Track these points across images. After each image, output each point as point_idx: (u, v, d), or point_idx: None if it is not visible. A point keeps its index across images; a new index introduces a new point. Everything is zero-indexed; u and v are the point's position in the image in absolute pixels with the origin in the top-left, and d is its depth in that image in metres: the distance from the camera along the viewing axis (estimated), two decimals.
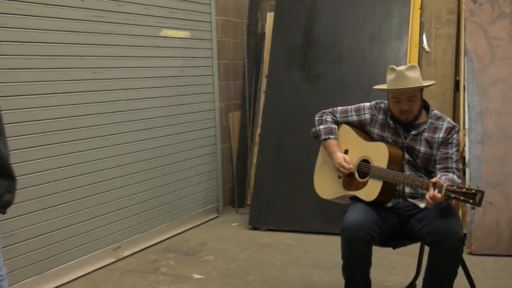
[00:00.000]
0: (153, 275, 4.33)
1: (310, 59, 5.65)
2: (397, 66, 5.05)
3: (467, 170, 4.73)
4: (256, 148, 6.14)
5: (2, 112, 1.95)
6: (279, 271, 4.37)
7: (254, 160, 6.14)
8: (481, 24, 5.09)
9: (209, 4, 5.77)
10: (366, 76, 5.38)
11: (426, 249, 3.27)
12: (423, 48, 5.48)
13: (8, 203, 1.87)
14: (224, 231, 5.46)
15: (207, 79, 5.77)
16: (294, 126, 5.51)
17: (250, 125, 6.27)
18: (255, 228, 5.43)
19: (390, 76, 3.28)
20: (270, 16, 6.44)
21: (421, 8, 5.52)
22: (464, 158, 4.87)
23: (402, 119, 3.29)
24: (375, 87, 3.48)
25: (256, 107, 6.36)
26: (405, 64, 5.26)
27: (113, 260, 4.61)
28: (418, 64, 5.42)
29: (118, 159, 4.68)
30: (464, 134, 4.89)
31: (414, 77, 3.22)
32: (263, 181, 5.54)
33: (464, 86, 5.13)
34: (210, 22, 5.79)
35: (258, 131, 6.14)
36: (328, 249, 4.76)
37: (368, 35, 5.51)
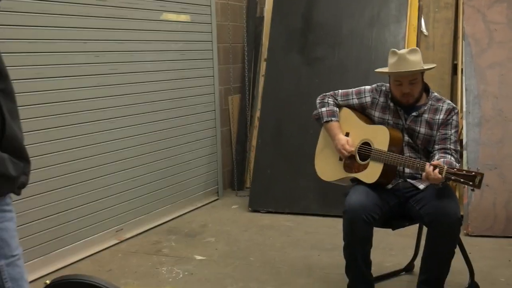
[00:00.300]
0: (156, 256, 4.40)
1: (310, 42, 5.69)
2: (397, 50, 5.13)
3: (464, 152, 4.80)
4: (255, 131, 6.20)
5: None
6: (279, 252, 4.44)
7: (253, 143, 6.21)
8: (479, 8, 5.13)
9: None
10: (365, 60, 5.43)
11: (424, 230, 3.34)
12: (421, 32, 5.53)
13: (23, 185, 1.93)
14: (224, 213, 5.53)
15: (207, 62, 5.81)
16: (294, 109, 5.56)
17: (249, 108, 6.32)
18: (255, 211, 5.50)
19: (391, 60, 3.33)
20: (269, 0, 6.46)
21: None
22: (461, 140, 4.94)
23: (404, 101, 3.35)
24: (377, 70, 3.53)
25: (255, 91, 6.41)
26: (404, 48, 5.31)
27: (116, 241, 4.68)
28: (417, 47, 5.45)
29: (121, 142, 4.73)
30: (462, 117, 4.96)
31: (415, 60, 3.27)
32: (263, 164, 5.60)
33: (462, 69, 5.19)
34: (210, 5, 5.81)
35: (257, 114, 6.20)
36: (327, 231, 4.84)
37: (367, 19, 5.55)
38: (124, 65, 4.73)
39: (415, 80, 3.30)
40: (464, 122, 4.89)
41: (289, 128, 5.57)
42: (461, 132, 4.96)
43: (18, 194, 1.93)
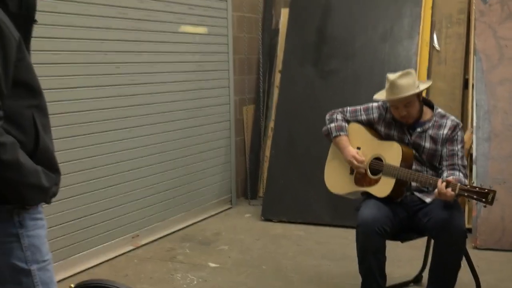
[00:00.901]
0: (171, 263, 4.52)
1: (324, 55, 5.81)
2: (408, 64, 5.27)
3: (474, 167, 4.89)
4: (268, 141, 6.32)
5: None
6: (291, 261, 4.55)
7: (267, 153, 6.33)
8: (490, 24, 5.23)
9: (226, 1, 5.93)
10: (378, 73, 5.52)
11: (432, 242, 3.45)
12: (433, 47, 5.63)
13: (54, 194, 2.05)
14: (237, 221, 5.65)
15: (223, 73, 5.95)
16: (307, 121, 5.67)
17: (263, 118, 6.44)
18: (267, 220, 5.62)
19: (386, 85, 3.45)
20: (284, 12, 6.59)
21: (432, 8, 5.67)
22: (471, 155, 5.03)
23: (404, 122, 3.46)
24: (375, 96, 3.61)
25: (269, 101, 6.53)
26: (415, 64, 5.45)
27: (131, 247, 4.81)
28: (429, 62, 5.58)
29: (138, 151, 4.87)
30: (472, 132, 5.05)
31: (406, 85, 3.35)
32: (276, 174, 5.72)
33: (473, 84, 5.29)
34: (227, 18, 5.95)
35: (271, 124, 6.32)
36: (338, 241, 4.94)
37: (380, 34, 5.66)
38: (142, 76, 4.87)
39: (410, 103, 3.40)
40: (474, 136, 4.98)
41: (302, 139, 5.68)
42: (470, 146, 5.06)
43: (49, 203, 2.06)
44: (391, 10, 5.67)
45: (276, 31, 6.64)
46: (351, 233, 5.06)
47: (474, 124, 5.03)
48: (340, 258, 4.55)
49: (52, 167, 2.03)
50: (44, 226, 2.06)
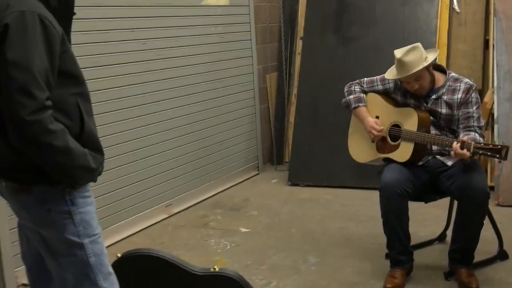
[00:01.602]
0: (204, 229, 4.73)
1: (344, 22, 5.89)
2: (429, 27, 5.31)
3: (495, 126, 5.00)
4: (292, 108, 6.46)
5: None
6: (318, 224, 4.74)
7: (291, 119, 6.47)
8: None
9: None
10: (399, 39, 5.60)
11: (455, 202, 3.60)
12: (453, 9, 5.67)
13: (100, 173, 2.24)
14: (265, 187, 5.84)
15: (245, 43, 6.07)
16: (330, 88, 5.79)
17: (286, 85, 6.56)
18: (294, 184, 5.79)
19: (395, 63, 3.54)
20: None
21: None
22: (492, 115, 5.13)
23: (418, 94, 3.58)
24: (386, 75, 3.70)
25: (292, 69, 6.64)
26: (436, 27, 5.51)
27: (165, 216, 5.02)
28: (449, 25, 5.63)
29: (167, 123, 5.04)
30: (493, 92, 5.14)
31: (413, 60, 3.44)
32: (301, 140, 5.87)
33: (493, 45, 5.35)
34: None
35: (294, 91, 6.45)
36: (363, 203, 5.11)
37: None
38: (168, 51, 5.01)
39: (420, 77, 3.50)
40: (495, 96, 5.07)
41: (325, 105, 5.81)
42: (492, 106, 5.15)
43: (95, 181, 2.25)
44: None
45: None
46: (374, 195, 5.21)
47: (495, 84, 5.11)
48: (365, 219, 4.72)
49: (96, 148, 2.22)
50: (93, 202, 2.26)
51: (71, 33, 2.26)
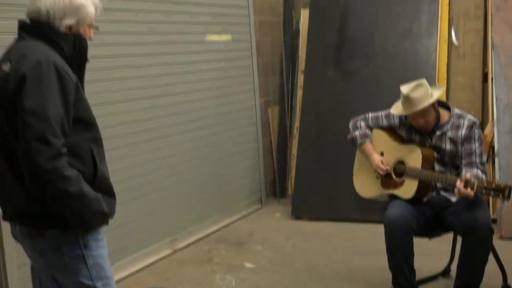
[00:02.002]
0: (208, 265, 4.75)
1: (345, 56, 5.98)
2: (428, 61, 5.40)
3: (496, 159, 5.05)
4: (294, 141, 6.52)
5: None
6: (323, 258, 4.76)
7: (293, 152, 6.52)
8: (507, 20, 5.36)
9: (247, 7, 6.12)
10: (398, 72, 5.69)
11: (459, 236, 3.64)
12: (452, 43, 5.77)
13: (112, 216, 2.29)
14: (268, 221, 5.87)
15: (248, 77, 6.16)
16: (332, 120, 5.86)
17: (288, 118, 6.63)
18: (297, 218, 5.82)
19: (401, 99, 3.61)
20: (303, 13, 6.75)
21: (449, 4, 5.80)
22: (493, 148, 5.18)
23: (423, 130, 3.64)
24: (392, 110, 3.78)
25: (293, 101, 6.72)
26: (435, 60, 5.59)
27: (170, 251, 5.05)
28: (448, 58, 5.72)
29: (173, 158, 5.10)
30: (493, 125, 5.20)
31: (420, 97, 3.51)
32: (304, 173, 5.92)
33: (492, 78, 5.42)
34: (249, 23, 6.15)
35: (296, 124, 6.52)
36: (367, 236, 5.13)
37: (399, 32, 5.81)
38: (174, 87, 5.09)
39: (426, 113, 3.56)
40: (495, 130, 5.13)
41: (328, 138, 5.86)
42: (492, 139, 5.21)
43: (107, 224, 2.29)
44: (409, 8, 5.82)
45: (297, 32, 6.81)
46: (378, 228, 5.24)
47: (495, 117, 5.18)
48: (370, 253, 4.75)
49: (109, 192, 2.27)
50: (105, 245, 2.30)
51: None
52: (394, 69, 5.73)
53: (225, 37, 5.80)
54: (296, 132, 6.51)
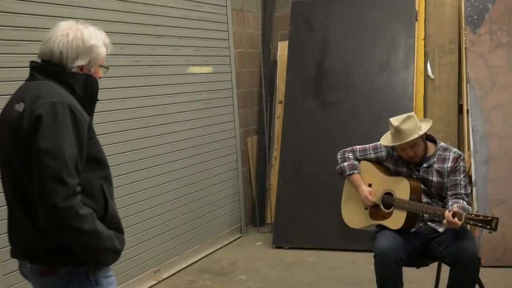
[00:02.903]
0: None
1: (324, 87, 6.11)
2: (405, 93, 5.56)
3: (473, 189, 5.18)
4: (273, 170, 6.61)
5: None
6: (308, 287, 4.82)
7: (272, 181, 6.60)
8: (481, 54, 5.55)
9: (228, 39, 6.22)
10: (377, 103, 5.84)
11: (444, 265, 3.75)
12: (428, 75, 5.95)
13: (121, 252, 2.32)
14: (250, 250, 5.90)
15: (228, 108, 6.23)
16: (312, 151, 5.96)
17: (268, 148, 6.71)
18: (278, 247, 5.87)
19: (390, 131, 3.73)
20: (281, 45, 6.90)
21: (425, 38, 5.99)
22: (470, 177, 5.33)
23: (411, 161, 3.75)
24: (382, 142, 3.88)
25: (272, 131, 6.81)
26: (412, 92, 5.74)
27: (154, 282, 5.04)
28: (424, 90, 5.90)
29: (154, 190, 5.11)
30: (470, 156, 5.35)
31: (410, 129, 3.64)
32: (285, 203, 5.98)
33: (467, 110, 5.59)
34: (229, 56, 6.24)
35: (275, 153, 6.61)
36: (350, 266, 5.20)
37: (377, 65, 5.97)
38: (156, 118, 5.13)
39: (415, 144, 3.69)
40: (472, 160, 5.28)
41: (308, 168, 5.95)
42: (469, 169, 5.35)
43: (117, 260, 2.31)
44: (386, 42, 5.99)
45: (275, 63, 6.94)
46: (360, 257, 5.36)
47: (472, 148, 5.33)
48: (354, 282, 4.81)
49: (119, 229, 2.30)
50: (115, 282, 2.32)
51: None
52: (373, 101, 5.87)
53: (207, 69, 5.87)
54: (274, 162, 6.59)
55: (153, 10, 5.08)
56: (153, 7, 5.07)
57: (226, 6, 6.17)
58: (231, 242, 6.17)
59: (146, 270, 5.03)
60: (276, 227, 6.00)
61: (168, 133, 5.27)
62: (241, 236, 6.37)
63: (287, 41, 6.50)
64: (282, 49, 6.84)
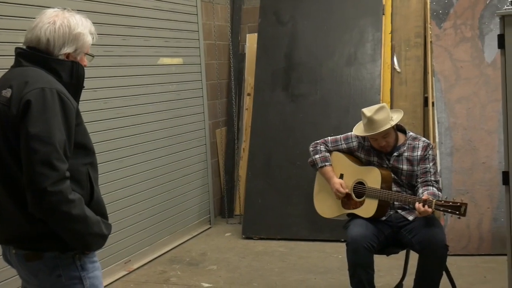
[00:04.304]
0: (166, 285, 4.79)
1: (293, 80, 6.18)
2: (372, 86, 5.68)
3: (439, 180, 5.32)
4: (241, 162, 6.66)
5: None
6: (279, 277, 4.88)
7: (240, 172, 6.66)
8: (446, 48, 5.70)
9: (197, 31, 6.24)
10: (345, 96, 5.94)
11: (412, 252, 3.86)
12: (394, 69, 6.07)
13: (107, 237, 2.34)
14: (219, 241, 5.95)
15: (197, 100, 6.26)
16: (281, 143, 6.03)
17: (237, 140, 6.76)
18: (248, 238, 5.93)
19: (363, 121, 3.83)
20: (249, 38, 6.95)
21: (391, 32, 6.12)
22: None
23: (383, 151, 3.86)
24: (354, 132, 3.97)
25: (240, 123, 6.87)
26: (379, 85, 5.86)
27: (125, 272, 5.05)
28: (391, 83, 6.02)
29: (126, 180, 5.12)
30: (435, 147, 5.49)
31: (382, 119, 3.75)
32: (254, 194, 6.05)
33: (433, 103, 5.74)
34: (199, 47, 6.27)
35: (243, 145, 6.67)
36: (319, 255, 5.30)
37: (345, 58, 6.07)
38: (128, 109, 5.14)
39: (387, 134, 3.81)
40: (437, 151, 5.43)
41: (277, 159, 6.03)
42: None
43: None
44: (354, 35, 6.09)
45: (244, 55, 6.99)
46: (328, 246, 5.47)
47: (437, 140, 5.47)
48: (323, 271, 4.91)
49: (104, 215, 2.33)
50: (100, 267, 2.34)
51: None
52: (341, 93, 5.97)
53: (177, 60, 5.89)
54: (243, 153, 6.65)
55: (124, 0, 5.07)
56: None
57: None
58: (200, 233, 6.21)
59: (117, 260, 5.04)
60: (245, 218, 6.06)
61: (138, 124, 5.28)
62: (210, 227, 6.42)
63: (256, 34, 6.56)
64: (251, 41, 6.90)
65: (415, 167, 3.83)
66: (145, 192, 5.39)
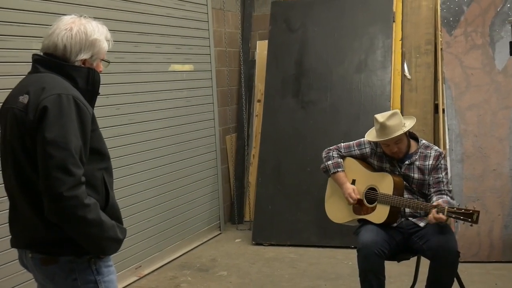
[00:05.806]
0: None
1: (303, 87, 6.20)
2: (383, 93, 5.69)
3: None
4: (251, 168, 6.68)
5: None
6: (289, 283, 4.89)
7: (250, 179, 6.68)
8: (456, 55, 5.70)
9: (208, 38, 6.28)
10: (355, 103, 5.95)
11: (423, 259, 3.86)
12: (405, 76, 6.08)
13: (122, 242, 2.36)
14: (230, 247, 5.96)
15: (208, 106, 6.28)
16: (291, 149, 6.05)
17: (247, 146, 6.78)
18: (258, 244, 5.94)
19: (376, 127, 3.84)
20: (259, 45, 6.99)
21: (402, 39, 6.13)
22: None
23: (395, 157, 3.87)
24: (367, 138, 3.99)
25: (250, 130, 6.89)
26: (390, 92, 5.87)
27: (136, 278, 5.07)
28: (401, 90, 6.03)
29: (137, 186, 5.14)
30: (445, 154, 5.49)
31: (395, 125, 3.76)
32: (264, 200, 6.06)
33: (443, 110, 5.74)
34: (210, 54, 6.30)
35: (253, 151, 6.69)
36: (329, 261, 5.30)
37: (355, 65, 6.08)
38: (139, 115, 5.16)
39: (399, 140, 3.81)
40: (448, 158, 5.42)
41: (288, 166, 6.04)
42: None
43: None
44: (365, 42, 6.10)
45: (254, 62, 7.02)
46: (338, 253, 5.47)
47: (447, 146, 5.47)
48: (334, 277, 4.91)
49: (119, 219, 2.35)
50: (115, 271, 2.37)
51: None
52: (351, 100, 5.98)
53: (188, 67, 5.92)
54: (253, 160, 6.67)
55: (136, 7, 5.12)
56: (136, 5, 5.12)
57: (206, 5, 6.23)
58: (210, 239, 6.22)
59: (128, 266, 5.05)
60: (255, 224, 6.07)
61: (149, 130, 5.31)
62: (220, 233, 6.43)
63: (266, 41, 6.59)
64: (261, 48, 6.93)
65: (426, 176, 3.83)
66: (156, 198, 5.41)
